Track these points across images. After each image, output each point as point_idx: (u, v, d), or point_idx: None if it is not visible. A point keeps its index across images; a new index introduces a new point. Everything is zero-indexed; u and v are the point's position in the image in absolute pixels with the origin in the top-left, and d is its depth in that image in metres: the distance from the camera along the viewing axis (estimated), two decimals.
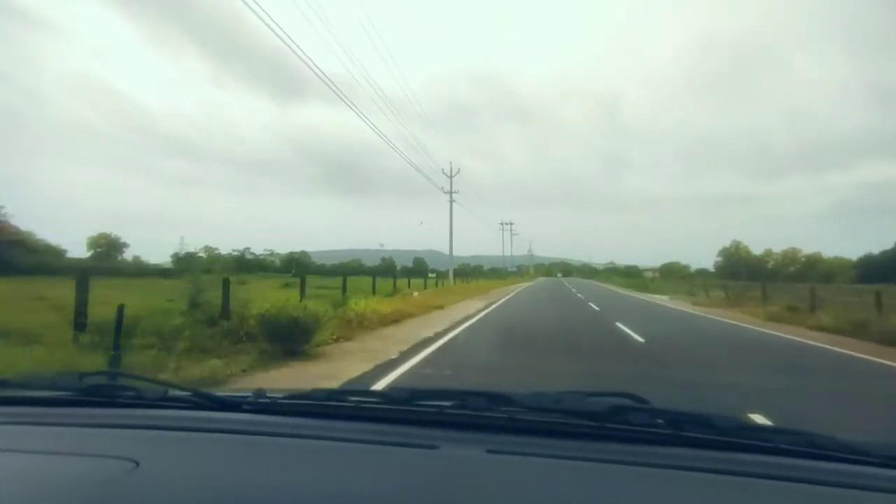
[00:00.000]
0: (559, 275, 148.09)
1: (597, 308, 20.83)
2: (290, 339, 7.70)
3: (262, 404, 1.29)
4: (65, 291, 8.24)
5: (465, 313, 16.73)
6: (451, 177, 33.87)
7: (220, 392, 1.38)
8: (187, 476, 0.96)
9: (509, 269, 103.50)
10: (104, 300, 7.45)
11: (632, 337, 11.23)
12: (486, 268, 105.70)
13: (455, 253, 41.22)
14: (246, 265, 71.07)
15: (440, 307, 18.55)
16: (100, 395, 1.33)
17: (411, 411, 1.23)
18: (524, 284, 61.26)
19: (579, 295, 32.50)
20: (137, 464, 0.96)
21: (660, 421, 1.13)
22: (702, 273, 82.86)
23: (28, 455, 1.05)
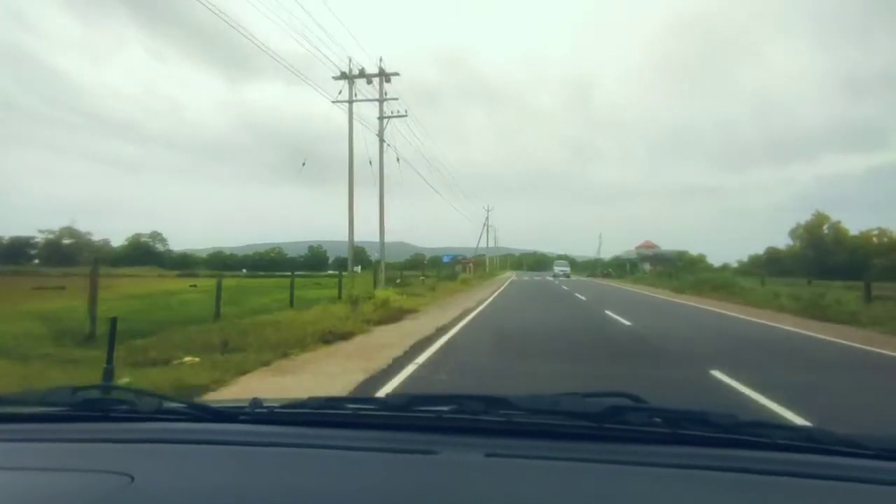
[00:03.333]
0: (560, 269, 59.39)
1: None
2: None
3: (258, 414, 1.28)
4: None
5: None
6: None
7: (216, 403, 1.37)
8: (183, 489, 0.95)
9: (444, 260, 62.06)
10: None
11: None
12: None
13: (425, 244, 33.79)
14: (60, 252, 56.63)
15: None
16: (93, 409, 1.31)
17: (409, 417, 1.23)
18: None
19: None
20: (132, 478, 0.95)
21: (658, 420, 1.13)
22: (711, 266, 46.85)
23: (21, 472, 1.04)
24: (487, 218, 69.39)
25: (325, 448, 1.12)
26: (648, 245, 78.34)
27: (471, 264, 58.61)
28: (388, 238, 21.40)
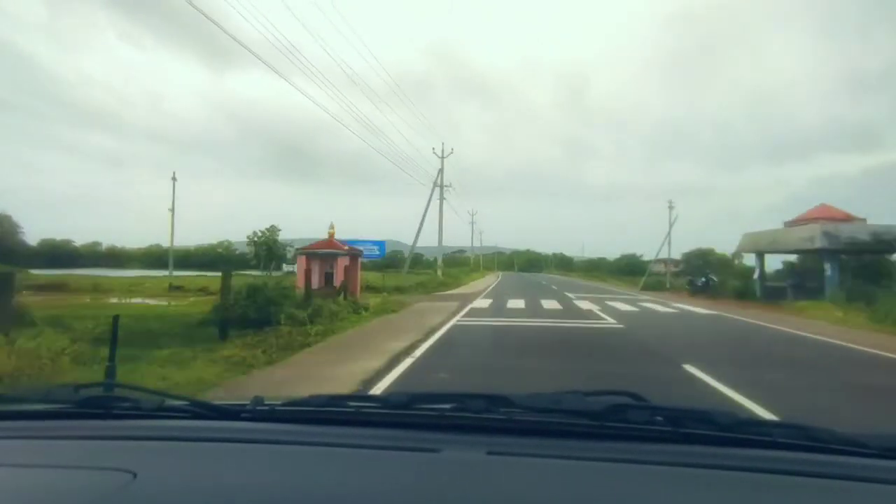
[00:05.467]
0: None
1: None
2: None
3: (260, 412, 1.28)
4: None
5: None
6: None
7: (218, 401, 1.38)
8: (185, 486, 0.96)
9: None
10: None
11: None
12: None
13: (421, 244, 31.98)
14: None
15: None
16: (96, 406, 1.31)
17: (411, 415, 1.23)
18: None
19: None
20: (135, 475, 0.95)
21: (659, 418, 1.13)
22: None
23: (24, 469, 1.04)
24: (441, 175, 36.93)
25: (326, 446, 1.12)
26: (829, 214, 22.80)
27: (341, 263, 17.23)
28: (378, 237, 20.10)
